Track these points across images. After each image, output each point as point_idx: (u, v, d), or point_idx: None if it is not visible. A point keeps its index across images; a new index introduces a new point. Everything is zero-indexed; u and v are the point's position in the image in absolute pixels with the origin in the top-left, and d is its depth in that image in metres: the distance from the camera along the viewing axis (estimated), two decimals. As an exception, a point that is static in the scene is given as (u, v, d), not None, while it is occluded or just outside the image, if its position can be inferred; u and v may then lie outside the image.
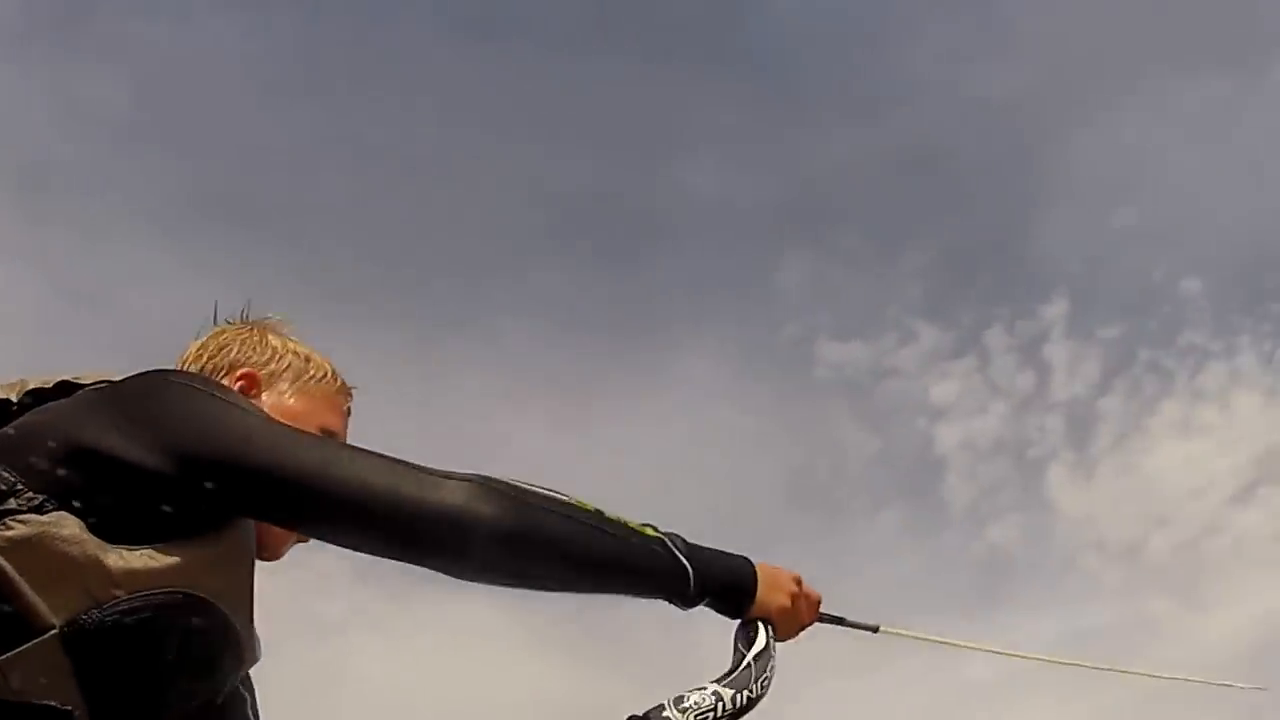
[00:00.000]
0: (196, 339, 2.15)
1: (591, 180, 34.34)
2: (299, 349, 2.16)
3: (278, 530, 1.83)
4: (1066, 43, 36.47)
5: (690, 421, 35.38)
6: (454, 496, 1.54)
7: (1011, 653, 2.47)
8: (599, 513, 1.66)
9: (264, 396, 2.03)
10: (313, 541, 1.82)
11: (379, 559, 1.67)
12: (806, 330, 37.06)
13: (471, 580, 1.62)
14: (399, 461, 1.56)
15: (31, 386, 1.74)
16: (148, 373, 1.68)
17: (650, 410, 35.51)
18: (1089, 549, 34.73)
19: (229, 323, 2.17)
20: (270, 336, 2.15)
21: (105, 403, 1.58)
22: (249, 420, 1.58)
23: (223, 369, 2.05)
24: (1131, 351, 38.22)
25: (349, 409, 2.15)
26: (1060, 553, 34.77)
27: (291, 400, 2.05)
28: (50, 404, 1.65)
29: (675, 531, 1.82)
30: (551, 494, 1.63)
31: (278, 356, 2.11)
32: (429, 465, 1.58)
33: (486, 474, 1.64)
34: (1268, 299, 38.30)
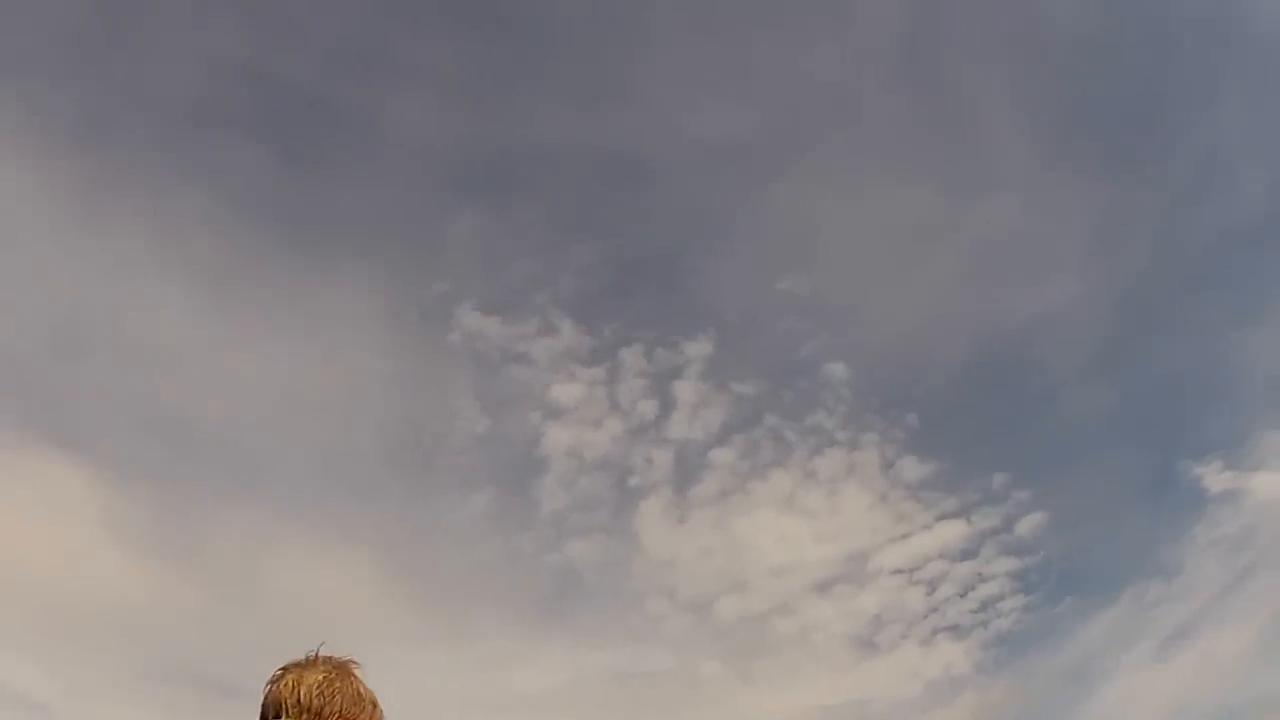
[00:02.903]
0: (304, 677, 3.36)
1: (311, 80, 35.52)
2: (371, 698, 3.28)
3: None
4: (799, 105, 38.99)
5: (320, 344, 36.88)
6: None
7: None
8: None
9: None
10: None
11: None
12: (455, 291, 38.54)
13: None
14: None
15: None
16: None
17: (287, 322, 36.96)
18: (661, 593, 37.12)
19: (314, 657, 3.40)
20: (360, 688, 3.26)
21: None
22: None
23: (333, 714, 3.16)
24: (759, 414, 40.47)
25: None
26: (633, 588, 37.16)
27: None
28: None
29: None
30: None
31: (366, 712, 3.25)
32: None
33: None
34: (907, 409, 40.85)
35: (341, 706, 3.15)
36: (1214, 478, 37.81)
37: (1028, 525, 36.67)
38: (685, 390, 34.54)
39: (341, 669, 3.25)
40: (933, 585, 35.73)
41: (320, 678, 3.24)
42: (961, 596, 36.37)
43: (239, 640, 31.75)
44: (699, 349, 34.57)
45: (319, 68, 33.42)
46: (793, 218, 36.92)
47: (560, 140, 34.58)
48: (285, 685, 3.22)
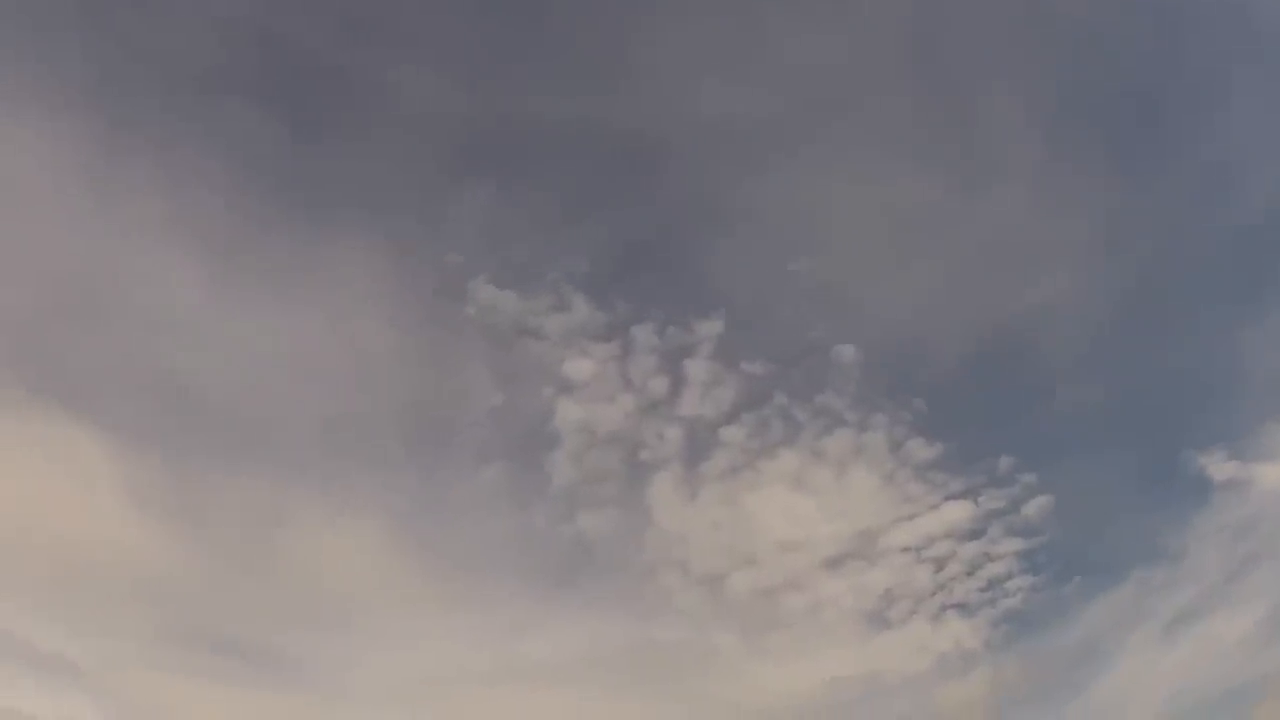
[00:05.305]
0: None
1: (324, 47, 35.64)
2: None
3: None
4: (811, 89, 39.29)
5: (332, 314, 36.95)
6: None
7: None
8: None
9: None
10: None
11: None
12: (470, 264, 38.56)
13: None
14: None
15: None
16: None
17: (298, 291, 37.06)
18: (673, 566, 37.33)
19: None
20: None
21: None
22: None
23: None
24: (769, 393, 40.83)
25: None
26: (646, 561, 37.42)
27: None
28: None
29: None
30: None
31: None
32: None
33: None
34: (915, 392, 41.40)
35: None
36: (1218, 468, 38.40)
37: (1034, 508, 37.15)
38: (696, 368, 34.92)
39: None
40: (941, 563, 36.12)
41: None
42: (969, 575, 36.78)
43: (253, 604, 31.80)
44: (710, 328, 34.95)
45: (333, 35, 33.62)
46: (803, 201, 37.27)
47: (574, 116, 34.85)
48: None
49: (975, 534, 35.78)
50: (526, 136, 35.36)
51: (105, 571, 31.56)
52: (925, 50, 37.30)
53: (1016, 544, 35.72)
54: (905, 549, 34.99)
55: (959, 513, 35.56)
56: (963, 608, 34.93)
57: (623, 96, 35.39)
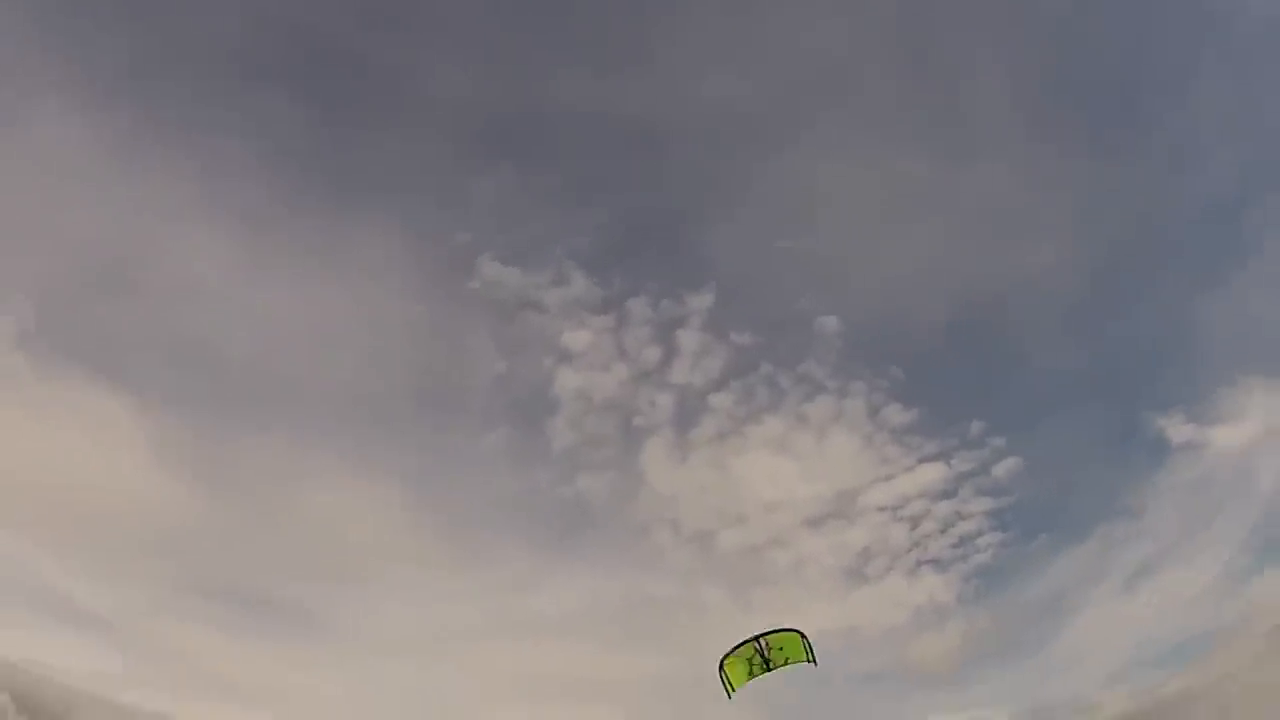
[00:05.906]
0: None
1: (348, 36, 38.16)
2: None
3: None
4: (802, 76, 41.99)
5: (350, 288, 40.18)
6: None
7: None
8: None
9: None
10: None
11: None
12: (477, 242, 42.27)
13: None
14: None
15: None
16: None
17: (320, 266, 40.32)
18: (665, 525, 40.75)
19: None
20: None
21: None
22: None
23: None
24: (755, 362, 44.69)
25: None
26: (640, 521, 40.84)
27: None
28: None
29: None
30: None
31: None
32: None
33: None
34: (891, 361, 45.26)
35: None
36: (1176, 430, 40.75)
37: (1003, 469, 39.45)
38: (688, 339, 37.07)
39: None
40: (915, 522, 38.42)
41: None
42: (942, 533, 39.08)
43: (271, 559, 33.87)
44: (701, 300, 37.07)
45: (358, 26, 35.49)
46: (793, 182, 39.47)
47: (579, 104, 36.90)
48: None
49: (948, 494, 38.08)
50: (536, 122, 37.32)
51: (131, 527, 33.57)
52: (913, 35, 39.22)
53: (986, 503, 38.09)
54: (882, 508, 37.27)
55: (933, 474, 37.82)
56: (936, 564, 37.32)
57: (627, 83, 37.37)
